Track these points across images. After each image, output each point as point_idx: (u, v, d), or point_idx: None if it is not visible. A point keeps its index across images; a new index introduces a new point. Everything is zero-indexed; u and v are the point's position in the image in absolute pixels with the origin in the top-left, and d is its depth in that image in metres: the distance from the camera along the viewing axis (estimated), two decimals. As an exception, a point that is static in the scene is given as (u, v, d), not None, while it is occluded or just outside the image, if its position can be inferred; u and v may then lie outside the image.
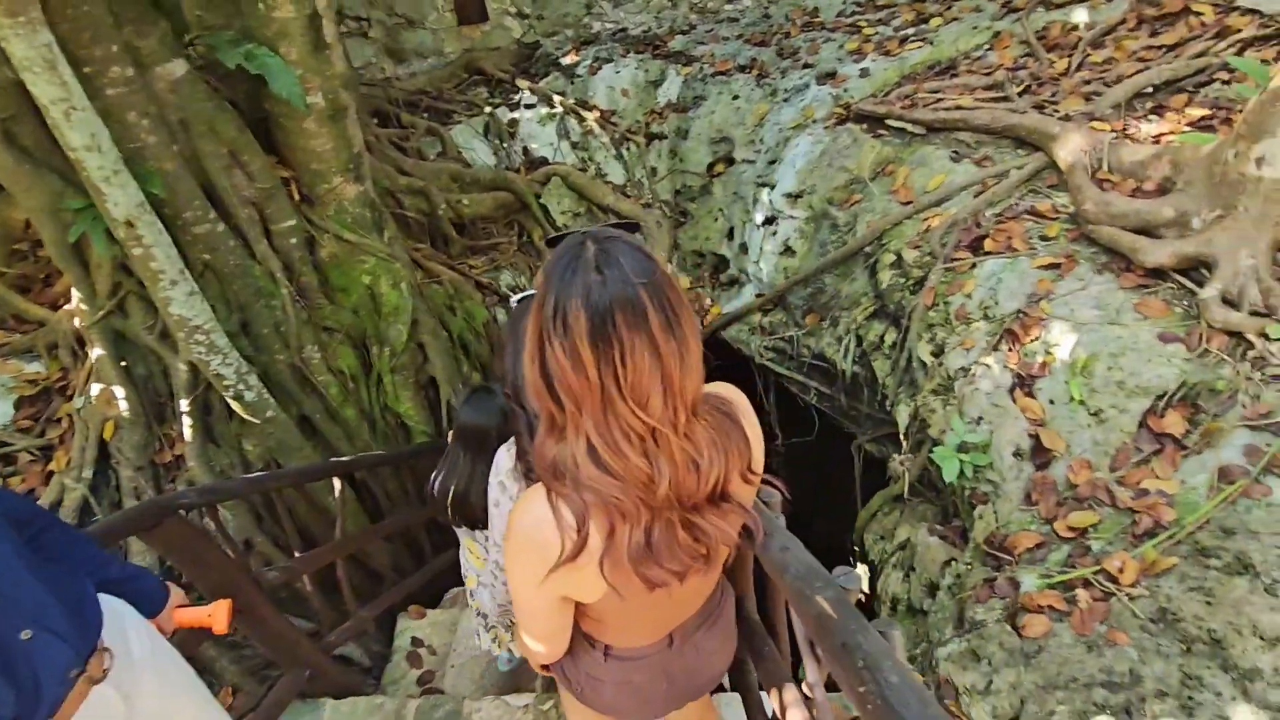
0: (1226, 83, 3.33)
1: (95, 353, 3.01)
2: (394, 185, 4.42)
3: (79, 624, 1.20)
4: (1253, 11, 3.70)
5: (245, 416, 3.09)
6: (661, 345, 0.83)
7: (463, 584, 4.13)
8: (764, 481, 1.26)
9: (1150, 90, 3.44)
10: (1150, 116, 3.31)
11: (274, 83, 2.77)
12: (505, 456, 1.48)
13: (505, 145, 5.33)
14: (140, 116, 2.62)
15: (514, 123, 5.37)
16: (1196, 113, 3.20)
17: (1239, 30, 3.54)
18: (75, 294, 3.05)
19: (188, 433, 3.05)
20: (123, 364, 3.11)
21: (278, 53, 2.84)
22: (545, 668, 1.35)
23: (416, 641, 3.13)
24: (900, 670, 0.76)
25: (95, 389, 3.02)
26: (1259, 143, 2.35)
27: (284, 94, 2.79)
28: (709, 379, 1.02)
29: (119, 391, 3.03)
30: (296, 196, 3.33)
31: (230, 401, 3.03)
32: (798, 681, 1.56)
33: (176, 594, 1.55)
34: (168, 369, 3.20)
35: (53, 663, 1.14)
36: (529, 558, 0.94)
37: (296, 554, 2.71)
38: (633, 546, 0.90)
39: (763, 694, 1.84)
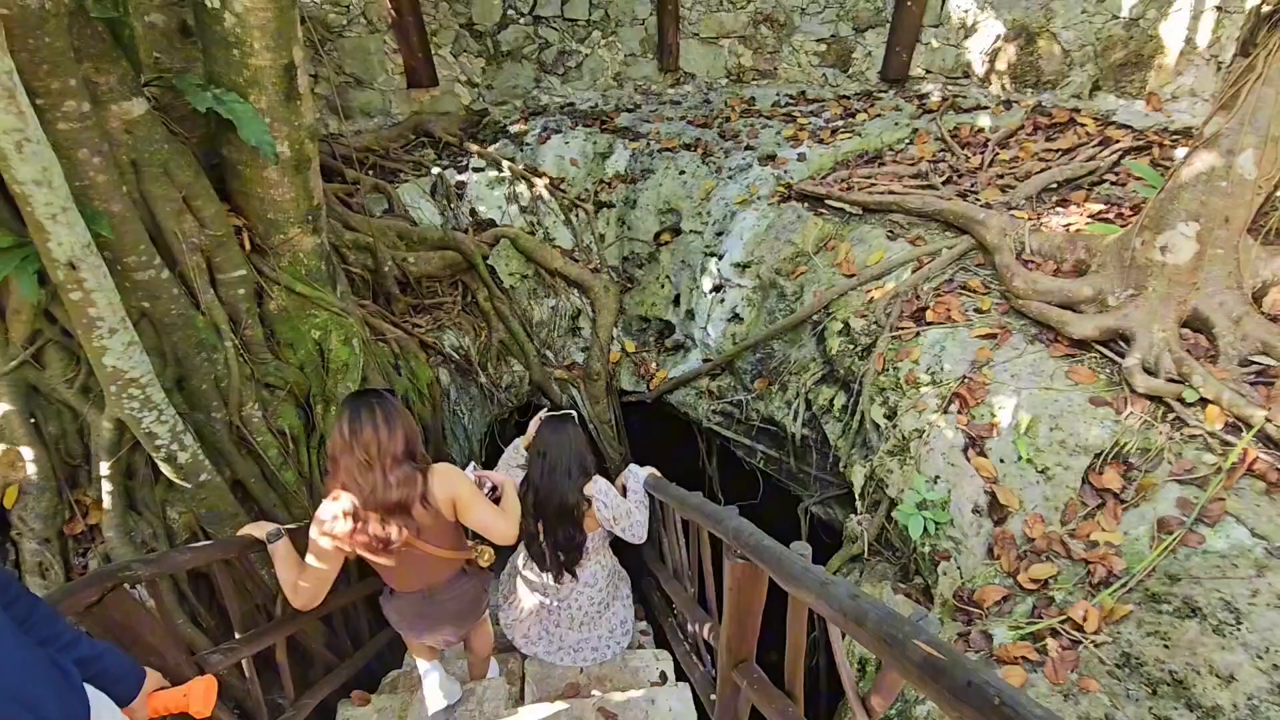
0: (1115, 183, 3.86)
1: (1, 408, 2.66)
2: (339, 240, 4.28)
3: (68, 715, 1.02)
4: (1126, 126, 4.34)
5: (175, 480, 2.79)
6: (380, 425, 2.04)
7: (401, 666, 3.82)
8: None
9: (1055, 186, 3.92)
10: (1057, 208, 3.76)
11: (243, 130, 2.68)
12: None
13: (452, 206, 5.31)
14: (91, 154, 2.44)
15: (462, 184, 5.38)
16: (1094, 206, 3.66)
17: (1118, 140, 4.14)
18: (-20, 342, 2.72)
19: (107, 499, 2.72)
20: (32, 421, 2.77)
21: (247, 100, 2.76)
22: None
23: (361, 731, 2.84)
24: (1034, 703, 0.79)
25: (-3, 449, 2.66)
26: (1161, 234, 2.72)
27: (253, 142, 2.70)
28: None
29: (27, 452, 2.68)
30: (247, 246, 3.17)
31: (160, 463, 2.74)
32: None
33: (153, 676, 1.35)
34: (84, 427, 2.88)
35: None
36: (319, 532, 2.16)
37: (236, 634, 2.43)
38: (343, 519, 2.08)
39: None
